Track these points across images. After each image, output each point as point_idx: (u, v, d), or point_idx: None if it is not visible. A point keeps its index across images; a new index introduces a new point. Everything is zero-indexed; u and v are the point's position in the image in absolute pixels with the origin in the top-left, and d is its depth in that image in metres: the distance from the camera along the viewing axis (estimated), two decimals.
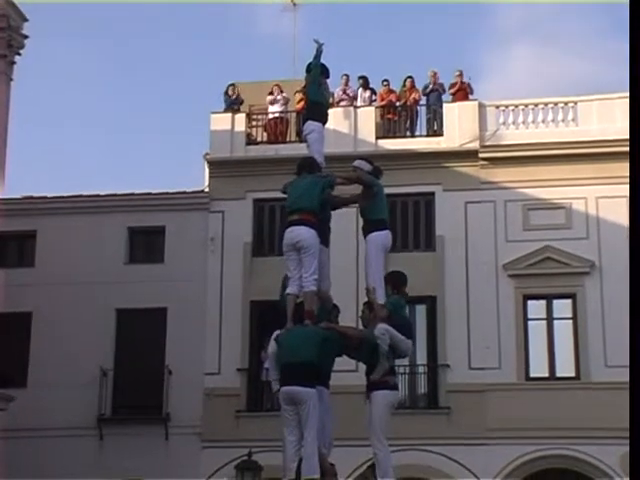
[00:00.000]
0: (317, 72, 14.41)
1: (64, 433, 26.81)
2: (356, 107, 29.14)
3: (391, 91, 29.43)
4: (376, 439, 12.25)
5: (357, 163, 13.54)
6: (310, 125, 14.09)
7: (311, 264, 12.44)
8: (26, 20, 24.53)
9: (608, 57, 61.47)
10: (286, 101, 29.33)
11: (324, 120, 14.30)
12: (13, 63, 24.37)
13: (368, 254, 12.97)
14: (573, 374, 26.88)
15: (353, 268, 24.87)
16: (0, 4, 23.78)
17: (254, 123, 29.87)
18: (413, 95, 29.17)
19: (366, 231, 13.17)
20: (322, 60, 14.41)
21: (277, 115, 29.50)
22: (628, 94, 28.33)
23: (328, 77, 15.21)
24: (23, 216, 28.03)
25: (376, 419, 12.27)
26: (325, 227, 13.09)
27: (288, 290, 12.62)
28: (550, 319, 27.37)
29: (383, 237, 13.11)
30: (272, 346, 12.64)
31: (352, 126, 28.63)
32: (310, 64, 14.44)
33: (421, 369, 27.28)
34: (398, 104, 29.30)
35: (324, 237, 13.01)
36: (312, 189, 12.77)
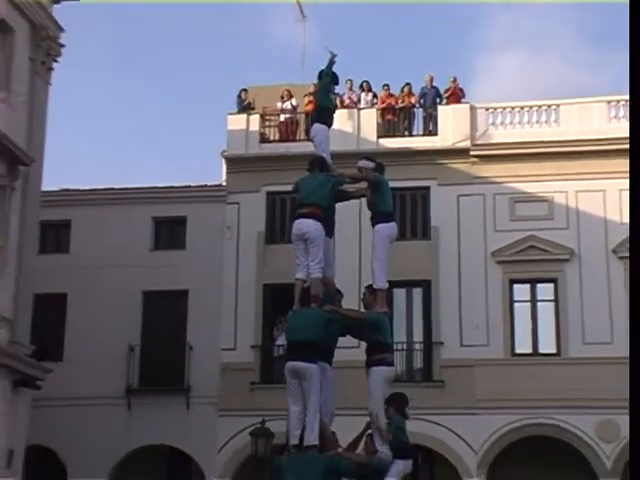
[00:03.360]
0: (328, 80, 14.32)
1: (96, 402, 26.97)
2: (359, 109, 29.12)
3: (391, 95, 29.39)
4: (375, 411, 12.21)
5: (361, 163, 13.35)
6: (317, 128, 13.92)
7: (317, 254, 12.40)
8: (62, 31, 24.66)
9: (586, 66, 61.83)
10: (296, 105, 29.36)
11: (330, 123, 14.13)
12: (51, 69, 24.50)
13: (375, 243, 12.84)
14: (554, 350, 26.86)
15: (356, 256, 25.00)
16: (42, 18, 23.91)
17: (267, 123, 29.79)
18: (410, 99, 29.21)
19: (374, 222, 13.05)
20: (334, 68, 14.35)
21: (288, 116, 29.55)
22: (605, 97, 28.52)
23: (337, 84, 15.16)
24: (59, 207, 28.03)
25: (374, 393, 12.22)
26: (330, 220, 13.08)
27: (297, 275, 12.54)
28: (534, 301, 27.37)
29: (390, 228, 13.00)
30: None
31: (355, 126, 28.61)
32: (322, 71, 14.22)
33: (417, 346, 27.33)
34: (397, 106, 29.28)
35: (329, 229, 13.03)
36: (323, 187, 12.70)
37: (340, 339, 12.59)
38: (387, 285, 12.77)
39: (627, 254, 26.70)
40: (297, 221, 12.67)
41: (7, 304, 21.91)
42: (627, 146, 28.40)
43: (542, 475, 25.81)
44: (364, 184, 13.42)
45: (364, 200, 13.54)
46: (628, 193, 28.55)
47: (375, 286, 12.68)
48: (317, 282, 12.39)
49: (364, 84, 29.82)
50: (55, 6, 24.71)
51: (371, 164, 13.36)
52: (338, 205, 13.43)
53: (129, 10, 57.90)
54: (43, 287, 25.14)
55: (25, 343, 22.75)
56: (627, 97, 28.11)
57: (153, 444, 27.25)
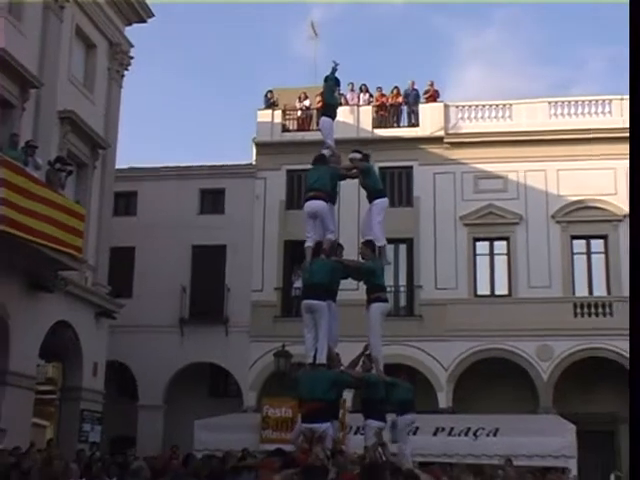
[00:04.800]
0: (332, 83, 14.34)
1: (156, 329, 27.11)
2: (359, 106, 29.05)
3: (383, 95, 29.31)
4: (374, 338, 12.37)
5: (351, 156, 13.40)
6: (324, 120, 14.01)
7: (328, 225, 12.60)
8: (132, 46, 24.85)
9: (530, 76, 62.08)
10: (309, 104, 29.37)
11: (334, 117, 14.20)
12: (123, 76, 24.70)
13: (374, 213, 12.93)
14: (507, 292, 26.90)
15: (355, 221, 25.06)
16: (117, 37, 24.14)
17: (287, 117, 29.60)
18: (398, 99, 29.32)
19: (370, 198, 13.15)
20: (336, 74, 14.38)
21: (304, 112, 29.53)
22: (546, 99, 28.51)
23: (339, 86, 15.29)
24: (129, 180, 27.94)
25: (373, 323, 12.36)
26: (332, 196, 13.07)
27: (307, 244, 12.60)
28: (492, 255, 27.33)
29: (383, 202, 13.09)
30: None
31: (356, 119, 28.49)
32: (327, 77, 14.32)
33: (402, 289, 27.32)
34: (388, 104, 29.25)
35: (332, 201, 13.09)
36: (324, 176, 12.79)
37: (343, 283, 12.71)
38: (386, 243, 13.04)
39: (563, 219, 27.06)
40: (308, 202, 12.73)
41: (91, 255, 22.32)
42: (563, 137, 28.59)
43: (495, 386, 25.97)
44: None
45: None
46: (566, 173, 28.67)
47: (378, 244, 12.82)
48: (329, 242, 12.63)
49: (362, 86, 29.71)
50: (127, 27, 24.94)
51: (359, 155, 13.43)
52: (342, 182, 13.68)
53: (187, 27, 57.86)
54: (117, 242, 25.14)
55: (104, 284, 23.19)
56: (562, 98, 28.31)
57: (200, 362, 27.48)
